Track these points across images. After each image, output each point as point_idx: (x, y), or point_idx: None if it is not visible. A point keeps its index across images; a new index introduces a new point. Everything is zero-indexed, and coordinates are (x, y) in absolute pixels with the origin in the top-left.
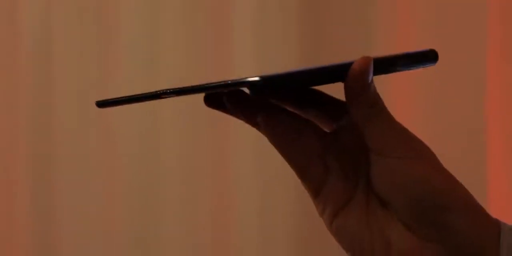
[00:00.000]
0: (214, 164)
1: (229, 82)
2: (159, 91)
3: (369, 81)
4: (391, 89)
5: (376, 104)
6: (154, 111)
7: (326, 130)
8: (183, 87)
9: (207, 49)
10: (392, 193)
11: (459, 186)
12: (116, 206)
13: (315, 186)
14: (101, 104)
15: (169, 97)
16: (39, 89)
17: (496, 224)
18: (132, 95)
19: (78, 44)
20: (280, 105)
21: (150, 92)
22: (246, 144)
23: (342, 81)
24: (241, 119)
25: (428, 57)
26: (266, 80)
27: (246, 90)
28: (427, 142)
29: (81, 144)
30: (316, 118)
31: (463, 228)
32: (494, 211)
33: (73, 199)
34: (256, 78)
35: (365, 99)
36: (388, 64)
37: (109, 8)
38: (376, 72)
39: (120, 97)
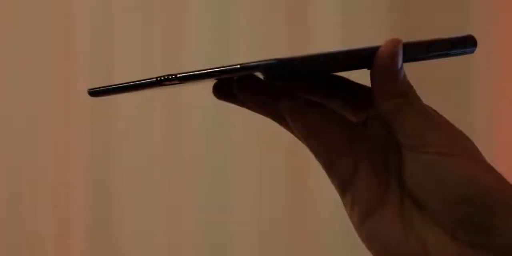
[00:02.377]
0: (287, 164)
1: (239, 66)
2: (159, 77)
3: (398, 67)
4: None
5: (406, 94)
6: (223, 108)
7: (353, 120)
8: (187, 73)
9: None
10: (430, 194)
11: (508, 185)
12: (182, 206)
13: (343, 183)
14: (93, 92)
15: (171, 84)
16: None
17: None
18: (129, 83)
19: (140, 36)
20: (299, 93)
21: (149, 79)
22: None
23: (368, 68)
24: (256, 110)
25: (466, 43)
26: (283, 63)
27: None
28: None
29: (145, 143)
30: (341, 107)
31: (508, 227)
32: None
33: (137, 199)
34: (272, 61)
35: (393, 88)
36: (420, 50)
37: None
38: (407, 59)
39: (115, 85)
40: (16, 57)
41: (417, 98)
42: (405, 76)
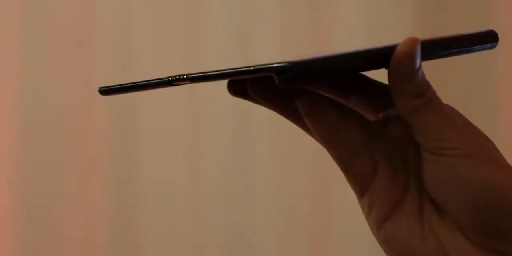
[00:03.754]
0: (310, 164)
1: (251, 68)
2: (171, 77)
3: (417, 67)
4: None
5: (425, 94)
6: (247, 113)
7: (371, 119)
8: (198, 73)
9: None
10: (450, 197)
11: None
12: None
13: (361, 184)
14: (103, 91)
15: (183, 84)
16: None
17: None
18: (139, 82)
19: (160, 35)
20: (316, 90)
21: (160, 79)
22: None
23: (386, 67)
24: (271, 109)
25: (486, 38)
26: (296, 66)
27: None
28: None
29: (168, 143)
30: (358, 105)
31: None
32: None
33: (158, 201)
34: (284, 64)
35: (411, 87)
36: (439, 47)
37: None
38: (426, 57)
39: (125, 84)
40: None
41: (436, 98)
42: (423, 75)
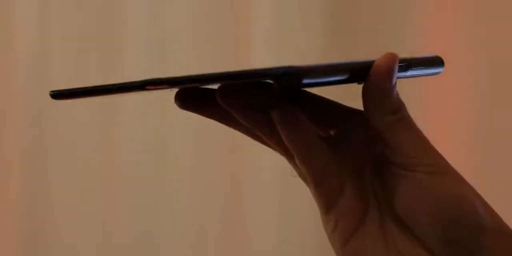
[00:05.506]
0: (223, 166)
1: (250, 71)
2: (145, 80)
3: (394, 83)
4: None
5: (399, 111)
6: (162, 110)
7: (322, 135)
8: (181, 76)
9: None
10: (421, 214)
11: (487, 204)
12: (115, 206)
13: (329, 201)
14: (55, 95)
15: (158, 89)
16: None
17: None
18: (102, 85)
19: (77, 43)
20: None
21: (131, 82)
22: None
23: (359, 82)
24: (229, 122)
25: (437, 63)
26: (299, 71)
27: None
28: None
29: (78, 142)
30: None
31: (496, 249)
32: None
33: (69, 199)
34: (289, 69)
35: (388, 104)
36: (403, 67)
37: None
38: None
39: (85, 87)
40: None
41: (409, 116)
42: (397, 92)
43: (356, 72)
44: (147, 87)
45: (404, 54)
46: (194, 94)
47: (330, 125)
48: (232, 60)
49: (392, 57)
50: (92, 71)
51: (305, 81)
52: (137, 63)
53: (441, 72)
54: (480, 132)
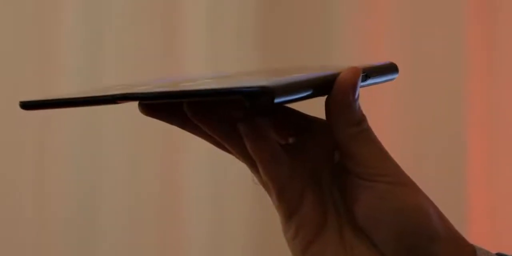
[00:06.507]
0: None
1: (223, 89)
2: (116, 95)
3: (357, 95)
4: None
5: (361, 122)
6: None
7: (281, 142)
8: (155, 92)
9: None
10: (379, 223)
11: (440, 213)
12: (51, 207)
13: (290, 208)
14: (26, 105)
15: (127, 102)
16: None
17: (472, 250)
18: (74, 98)
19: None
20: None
21: (102, 96)
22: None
23: (324, 95)
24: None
25: (393, 70)
26: (280, 88)
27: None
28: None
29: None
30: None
31: None
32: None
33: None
34: (267, 84)
35: (351, 116)
36: (363, 77)
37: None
38: None
39: (57, 99)
40: None
41: (370, 128)
42: (359, 105)
43: (322, 85)
44: (117, 101)
45: (335, 60)
46: (161, 103)
47: (289, 133)
48: (166, 62)
49: (356, 71)
50: (27, 75)
51: (277, 100)
52: (70, 64)
53: (395, 78)
54: (405, 135)
